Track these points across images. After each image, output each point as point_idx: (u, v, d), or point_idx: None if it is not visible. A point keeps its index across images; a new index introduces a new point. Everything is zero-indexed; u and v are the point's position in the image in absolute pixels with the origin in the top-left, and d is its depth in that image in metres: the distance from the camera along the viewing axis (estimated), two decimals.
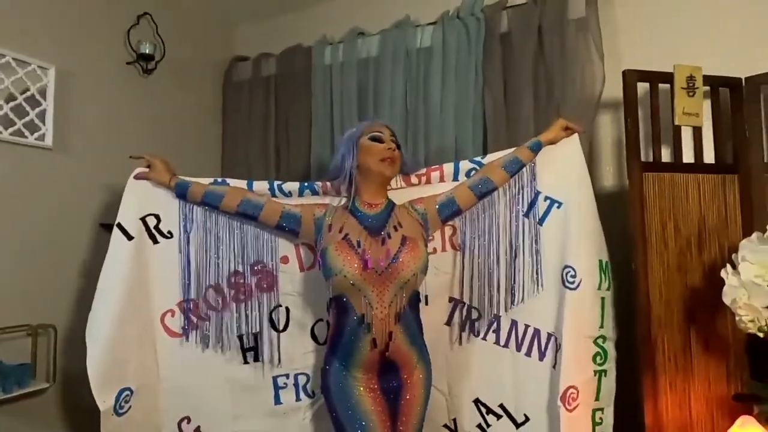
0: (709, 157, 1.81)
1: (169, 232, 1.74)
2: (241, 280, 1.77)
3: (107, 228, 1.74)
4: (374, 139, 1.58)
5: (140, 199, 1.72)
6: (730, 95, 1.79)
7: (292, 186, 1.79)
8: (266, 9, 2.70)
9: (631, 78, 1.69)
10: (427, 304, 1.70)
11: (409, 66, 2.29)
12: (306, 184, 1.79)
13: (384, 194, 1.64)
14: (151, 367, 1.70)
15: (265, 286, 1.78)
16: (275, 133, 2.61)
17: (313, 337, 1.80)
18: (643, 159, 1.74)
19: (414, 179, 1.78)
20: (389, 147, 1.57)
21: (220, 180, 1.78)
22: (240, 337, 1.77)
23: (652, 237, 1.68)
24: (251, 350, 1.77)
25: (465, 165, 1.75)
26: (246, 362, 1.76)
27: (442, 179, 1.76)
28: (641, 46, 2.01)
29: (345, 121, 2.40)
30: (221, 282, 1.76)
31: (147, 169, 1.73)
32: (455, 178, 1.75)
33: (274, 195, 1.78)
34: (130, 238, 1.68)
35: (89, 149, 2.11)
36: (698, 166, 1.76)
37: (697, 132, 1.77)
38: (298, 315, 1.79)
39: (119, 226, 1.67)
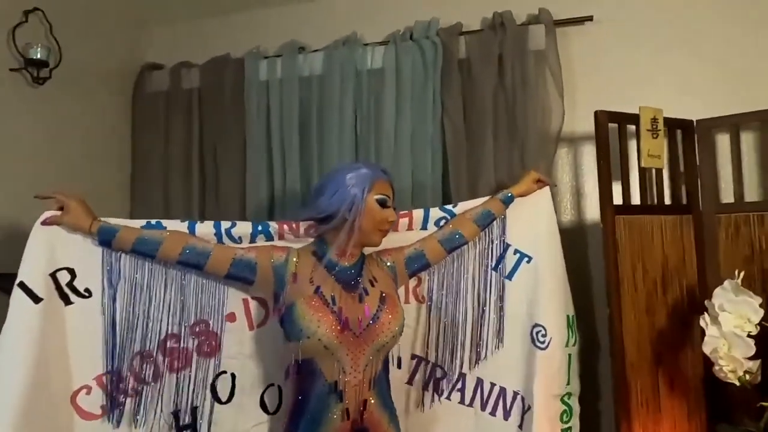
0: (665, 198, 1.88)
1: (87, 290, 1.45)
2: (177, 344, 1.51)
3: None
4: (382, 203, 1.43)
5: (49, 249, 1.41)
6: (683, 137, 1.89)
7: (243, 229, 1.57)
8: (184, 11, 2.42)
9: (602, 119, 1.71)
10: (399, 367, 1.61)
11: (358, 88, 2.17)
12: (259, 227, 1.58)
13: (361, 247, 1.50)
14: None
15: (207, 350, 1.54)
16: (200, 157, 2.33)
17: (263, 406, 1.59)
18: None
19: None
20: (391, 219, 1.43)
21: (153, 222, 1.51)
22: (175, 414, 1.51)
23: (624, 281, 1.70)
24: (188, 428, 1.52)
25: (435, 213, 1.67)
26: None
27: (410, 227, 1.66)
28: (595, 83, 2.07)
29: (286, 147, 2.21)
30: (152, 348, 1.49)
31: (58, 213, 1.41)
32: (424, 227, 1.67)
33: (220, 241, 1.55)
34: (37, 300, 1.36)
35: None
36: (660, 208, 1.83)
37: (659, 174, 1.83)
38: (246, 381, 1.57)
39: (22, 285, 1.36)
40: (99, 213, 1.47)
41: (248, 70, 2.26)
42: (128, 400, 1.46)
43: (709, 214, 1.85)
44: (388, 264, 1.53)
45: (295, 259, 1.44)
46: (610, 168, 1.72)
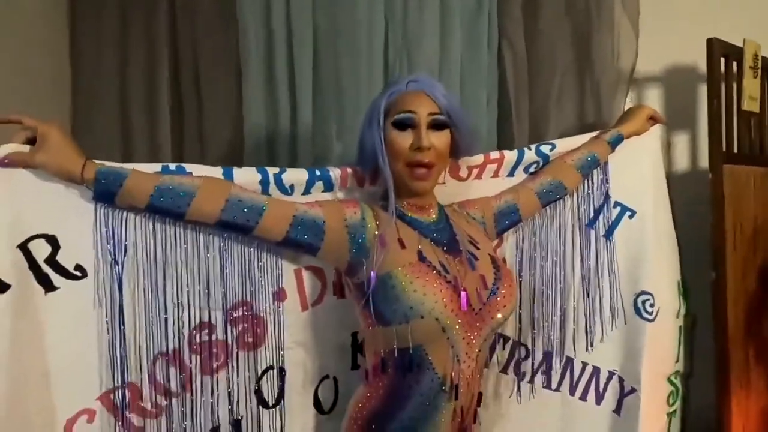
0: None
1: (78, 269, 0.97)
2: (213, 337, 1.08)
3: None
4: (400, 124, 1.05)
5: (14, 206, 0.91)
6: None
7: (296, 176, 1.15)
8: None
9: (717, 49, 1.45)
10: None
11: (391, 3, 1.71)
12: (317, 172, 1.17)
13: (433, 191, 1.15)
14: None
15: (250, 340, 1.13)
16: (173, 85, 1.75)
17: (316, 404, 1.23)
18: None
19: (463, 171, 1.30)
20: (420, 144, 1.03)
21: (172, 167, 1.03)
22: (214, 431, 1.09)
23: (727, 241, 1.47)
24: None
25: (529, 156, 1.36)
26: None
27: (496, 174, 1.34)
28: (659, 17, 1.76)
29: (298, 71, 1.70)
30: (179, 345, 1.05)
31: (26, 148, 0.88)
32: (511, 173, 1.36)
33: (266, 192, 1.12)
34: (1, 288, 0.87)
35: None
36: (758, 158, 1.61)
37: (756, 118, 1.61)
38: (298, 376, 1.20)
39: None
40: None
41: None
42: (151, 420, 1.02)
43: None
44: (478, 219, 1.22)
45: (373, 216, 1.07)
46: (721, 108, 1.46)
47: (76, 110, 1.77)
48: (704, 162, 1.68)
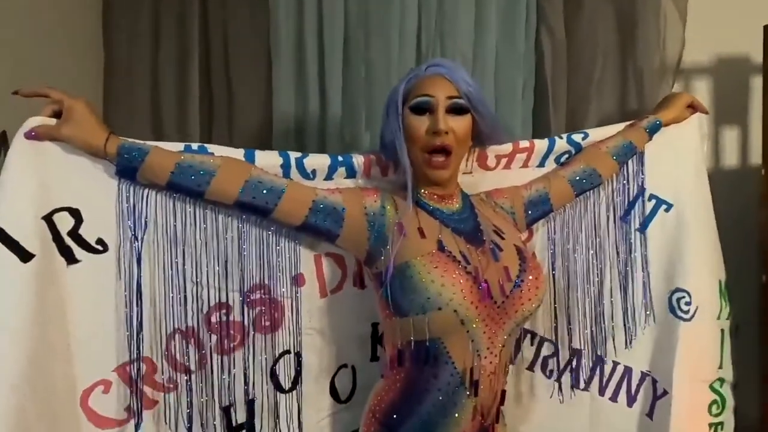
0: None
1: (100, 242, 1.01)
2: (231, 318, 1.10)
3: None
4: (418, 109, 1.03)
5: (40, 179, 0.95)
6: None
7: (318, 161, 1.15)
8: None
9: None
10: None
11: None
12: (339, 157, 1.17)
13: (456, 180, 1.13)
14: None
15: (267, 324, 1.14)
16: (203, 70, 1.78)
17: (333, 393, 1.23)
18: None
19: (491, 160, 1.27)
20: (437, 128, 1.01)
21: (195, 147, 1.05)
22: (226, 410, 1.12)
23: None
24: (242, 428, 1.14)
25: (560, 146, 1.32)
26: None
27: (525, 163, 1.31)
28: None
29: (328, 58, 1.71)
30: (196, 323, 1.07)
31: (53, 121, 0.93)
32: (541, 164, 1.32)
33: (287, 175, 1.12)
34: (26, 257, 0.91)
35: None
36: None
37: None
38: (314, 363, 1.21)
39: None
40: None
41: None
42: (164, 395, 1.06)
43: None
44: (507, 209, 1.19)
45: (393, 205, 1.07)
46: None
47: (108, 94, 1.82)
48: (755, 158, 1.60)
